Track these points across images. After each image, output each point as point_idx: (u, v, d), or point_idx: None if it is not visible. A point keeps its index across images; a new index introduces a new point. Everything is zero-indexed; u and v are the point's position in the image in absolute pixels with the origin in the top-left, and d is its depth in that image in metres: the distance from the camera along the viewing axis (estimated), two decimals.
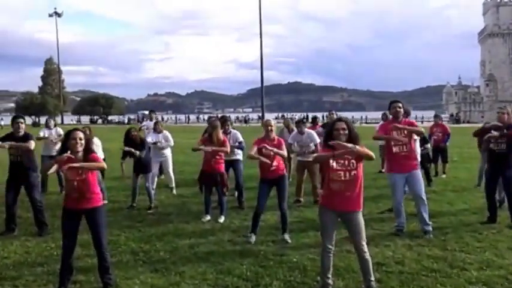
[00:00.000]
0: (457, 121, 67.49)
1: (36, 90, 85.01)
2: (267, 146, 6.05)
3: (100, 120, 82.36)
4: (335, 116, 10.60)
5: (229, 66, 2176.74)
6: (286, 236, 6.22)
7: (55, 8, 77.69)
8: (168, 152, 9.67)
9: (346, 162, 4.23)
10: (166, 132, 9.67)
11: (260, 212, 6.30)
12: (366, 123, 64.67)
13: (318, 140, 8.66)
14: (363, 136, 4.88)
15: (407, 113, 12.60)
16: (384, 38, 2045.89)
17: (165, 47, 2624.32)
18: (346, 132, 4.25)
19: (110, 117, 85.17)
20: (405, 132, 6.31)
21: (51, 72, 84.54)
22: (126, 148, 8.20)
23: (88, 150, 4.61)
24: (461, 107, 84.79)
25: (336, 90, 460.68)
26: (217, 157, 7.43)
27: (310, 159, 8.60)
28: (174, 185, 9.85)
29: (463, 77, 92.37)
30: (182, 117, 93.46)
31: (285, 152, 6.34)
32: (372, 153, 4.19)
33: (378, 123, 19.96)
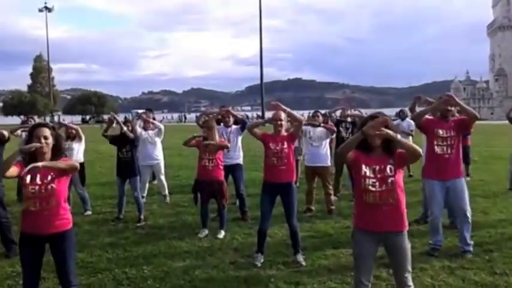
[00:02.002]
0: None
1: (26, 88, 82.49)
2: (279, 104, 5.21)
3: (93, 120, 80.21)
4: (349, 112, 9.27)
5: (227, 63, 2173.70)
6: (300, 257, 5.17)
7: (45, 3, 75.56)
8: (160, 155, 8.55)
9: (382, 167, 3.27)
10: (157, 130, 8.51)
11: (266, 229, 5.27)
12: None
13: (334, 128, 7.83)
14: None
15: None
16: (388, 31, 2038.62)
17: (160, 43, 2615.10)
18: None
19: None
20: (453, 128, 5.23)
21: (40, 70, 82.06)
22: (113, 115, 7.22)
23: (58, 150, 3.54)
24: (470, 103, 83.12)
25: (338, 86, 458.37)
26: (216, 162, 6.32)
27: (320, 164, 7.57)
28: (167, 192, 8.79)
29: (470, 71, 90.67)
30: (176, 115, 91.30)
31: (300, 117, 5.45)
32: (418, 149, 3.25)
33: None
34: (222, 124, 7.41)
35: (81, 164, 7.88)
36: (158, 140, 8.40)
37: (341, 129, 8.49)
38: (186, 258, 5.42)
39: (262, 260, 5.16)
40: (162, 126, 8.41)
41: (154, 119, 9.37)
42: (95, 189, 9.83)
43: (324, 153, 7.59)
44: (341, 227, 6.62)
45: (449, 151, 5.19)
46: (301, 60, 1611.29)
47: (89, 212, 7.74)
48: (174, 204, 8.42)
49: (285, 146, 5.17)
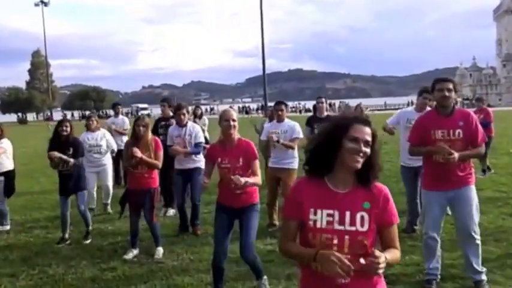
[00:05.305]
0: (474, 105, 65.21)
1: (24, 85, 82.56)
2: (239, 179, 3.58)
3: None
4: (325, 105, 7.41)
5: (226, 55, 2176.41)
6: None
7: None
8: (106, 159, 7.43)
9: (348, 212, 1.94)
10: (104, 132, 7.57)
11: (222, 264, 3.92)
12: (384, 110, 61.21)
13: (300, 135, 6.09)
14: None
15: (480, 100, 10.02)
16: (388, 18, 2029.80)
17: (159, 37, 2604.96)
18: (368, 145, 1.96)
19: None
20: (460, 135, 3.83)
21: (38, 66, 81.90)
22: (56, 154, 5.64)
23: None
24: (477, 90, 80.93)
25: (339, 76, 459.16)
26: (145, 168, 5.18)
27: (285, 166, 5.98)
28: (109, 201, 7.54)
29: (475, 58, 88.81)
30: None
31: (258, 179, 3.86)
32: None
33: (385, 109, 17.31)
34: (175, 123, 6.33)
35: (9, 173, 6.69)
36: (104, 144, 7.33)
37: (315, 129, 6.84)
38: None
39: None
40: (113, 147, 7.53)
41: (122, 113, 9.82)
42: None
43: (291, 153, 6.03)
44: None
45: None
46: (301, 50, 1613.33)
47: (7, 227, 6.62)
48: (172, 217, 6.91)
49: (239, 162, 3.83)
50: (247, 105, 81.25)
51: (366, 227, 1.91)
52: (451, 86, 3.83)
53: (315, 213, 1.94)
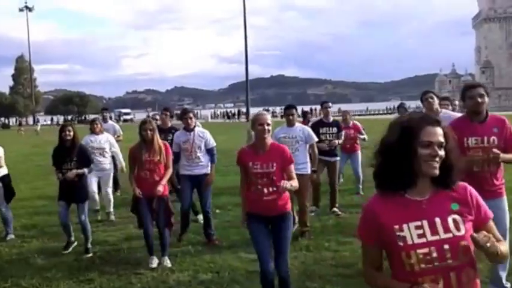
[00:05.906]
0: (454, 110, 66.93)
1: (8, 90, 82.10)
2: (285, 184, 3.42)
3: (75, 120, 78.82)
4: (331, 110, 7.47)
5: (210, 61, 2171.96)
6: None
7: (25, 2, 74.95)
8: (109, 164, 7.33)
9: (438, 219, 1.73)
10: (107, 135, 7.51)
11: (272, 275, 3.64)
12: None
13: (315, 139, 6.05)
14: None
15: (447, 99, 9.77)
16: (369, 27, 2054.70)
17: (142, 42, 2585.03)
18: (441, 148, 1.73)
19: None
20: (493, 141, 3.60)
21: (22, 71, 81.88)
22: (71, 175, 5.50)
23: None
24: (456, 96, 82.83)
25: (320, 82, 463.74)
26: (157, 173, 5.06)
27: (296, 172, 5.87)
28: (112, 209, 7.35)
29: (454, 65, 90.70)
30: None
31: (296, 182, 3.67)
32: None
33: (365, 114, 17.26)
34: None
35: (5, 177, 6.54)
36: (107, 147, 7.25)
37: (321, 135, 6.81)
38: None
39: None
40: (116, 149, 7.53)
41: (111, 118, 9.48)
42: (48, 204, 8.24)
43: (302, 157, 5.88)
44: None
45: (486, 167, 3.58)
46: (284, 57, 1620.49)
47: (11, 236, 6.40)
48: None
49: (273, 167, 3.62)
50: (228, 110, 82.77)
51: (462, 231, 1.71)
52: (482, 90, 3.60)
53: (401, 229, 1.72)
